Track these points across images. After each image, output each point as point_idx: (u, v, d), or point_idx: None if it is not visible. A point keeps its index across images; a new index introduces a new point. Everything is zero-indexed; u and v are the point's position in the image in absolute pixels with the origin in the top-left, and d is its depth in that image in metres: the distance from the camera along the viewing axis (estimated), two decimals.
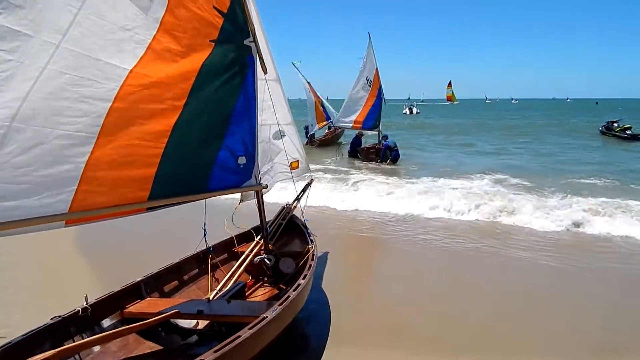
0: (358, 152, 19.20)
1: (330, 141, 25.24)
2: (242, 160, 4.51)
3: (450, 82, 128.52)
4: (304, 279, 4.49)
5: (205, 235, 5.04)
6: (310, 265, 4.84)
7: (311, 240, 5.52)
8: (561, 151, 22.02)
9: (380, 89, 18.89)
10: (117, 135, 3.40)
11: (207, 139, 4.15)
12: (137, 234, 7.96)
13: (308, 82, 24.55)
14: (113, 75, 3.30)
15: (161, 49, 3.59)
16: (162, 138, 3.70)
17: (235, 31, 4.16)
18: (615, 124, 29.55)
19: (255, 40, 4.38)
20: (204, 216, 4.99)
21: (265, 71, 4.68)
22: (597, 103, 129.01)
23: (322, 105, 25.06)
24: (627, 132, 27.40)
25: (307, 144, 24.29)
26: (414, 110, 74.00)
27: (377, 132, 19.26)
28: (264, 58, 4.63)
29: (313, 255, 5.14)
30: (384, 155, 17.53)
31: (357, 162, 18.48)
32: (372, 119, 18.92)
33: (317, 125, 24.68)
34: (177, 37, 3.70)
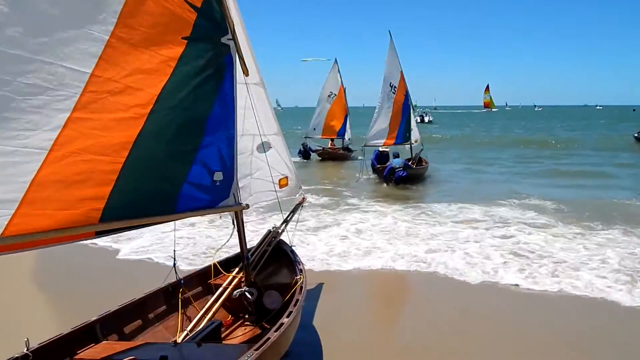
0: (376, 171, 17.23)
1: (338, 156, 23.94)
2: (218, 176, 4.23)
3: (487, 86, 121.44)
4: (288, 316, 4.14)
5: (175, 264, 4.69)
6: (297, 300, 4.46)
7: (300, 270, 5.11)
8: (595, 167, 20.88)
9: (407, 95, 17.36)
10: (72, 150, 3.21)
11: (178, 151, 3.90)
12: (97, 261, 7.57)
13: (343, 87, 23.29)
14: (71, 80, 3.12)
15: (124, 47, 3.38)
16: (123, 151, 3.48)
17: (211, 28, 3.96)
18: None
19: (234, 38, 4.17)
20: (174, 242, 4.66)
21: (246, 73, 4.40)
22: (634, 110, 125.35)
23: (345, 118, 23.81)
24: None
25: (312, 154, 23.35)
26: (426, 118, 71.56)
27: (409, 146, 17.68)
28: (244, 58, 4.37)
29: (301, 288, 4.75)
30: (387, 178, 15.93)
31: (370, 184, 16.68)
32: (402, 129, 17.34)
33: (319, 134, 23.45)
34: (143, 34, 3.49)
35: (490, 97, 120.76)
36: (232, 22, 4.12)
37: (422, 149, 18.14)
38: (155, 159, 3.72)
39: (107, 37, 3.26)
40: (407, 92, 17.40)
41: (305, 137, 23.69)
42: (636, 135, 30.43)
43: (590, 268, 7.37)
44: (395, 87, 17.04)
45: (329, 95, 23.14)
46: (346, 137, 24.52)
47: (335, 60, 23.13)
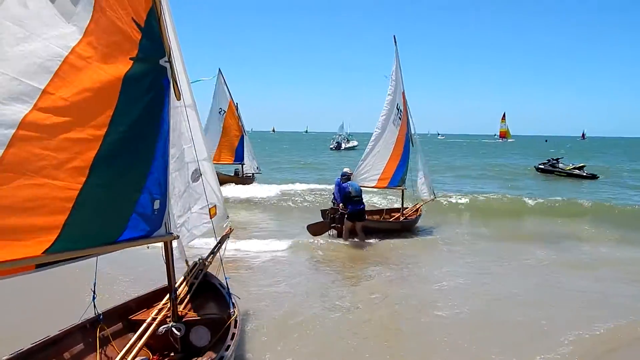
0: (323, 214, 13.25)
1: (237, 180, 22.82)
2: (157, 204, 4.46)
3: (504, 115, 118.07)
4: (227, 350, 4.37)
5: (94, 298, 4.79)
6: (234, 335, 4.74)
7: (233, 304, 5.41)
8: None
9: (408, 124, 14.45)
10: (21, 172, 3.27)
11: (131, 177, 4.12)
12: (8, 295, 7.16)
13: (234, 102, 22.42)
14: (21, 94, 3.24)
15: (80, 64, 3.58)
16: (80, 176, 3.62)
17: (152, 49, 4.23)
18: (561, 163, 32.35)
19: (170, 61, 4.43)
20: (95, 273, 4.77)
21: (177, 97, 4.63)
22: (546, 141, 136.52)
23: (242, 140, 22.50)
24: (577, 170, 30.37)
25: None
26: (344, 144, 67.60)
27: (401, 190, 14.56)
28: (179, 81, 4.61)
29: (236, 321, 5.04)
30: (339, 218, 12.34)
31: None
32: (402, 170, 14.33)
33: (212, 154, 20.57)
34: (99, 52, 3.71)
35: (507, 127, 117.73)
36: (169, 44, 4.40)
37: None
38: (112, 186, 3.91)
39: (66, 53, 3.47)
40: (408, 119, 14.49)
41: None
42: (539, 166, 33.82)
43: None
44: (401, 110, 14.16)
45: (219, 112, 22.13)
46: (246, 161, 23.15)
47: (220, 70, 22.44)
